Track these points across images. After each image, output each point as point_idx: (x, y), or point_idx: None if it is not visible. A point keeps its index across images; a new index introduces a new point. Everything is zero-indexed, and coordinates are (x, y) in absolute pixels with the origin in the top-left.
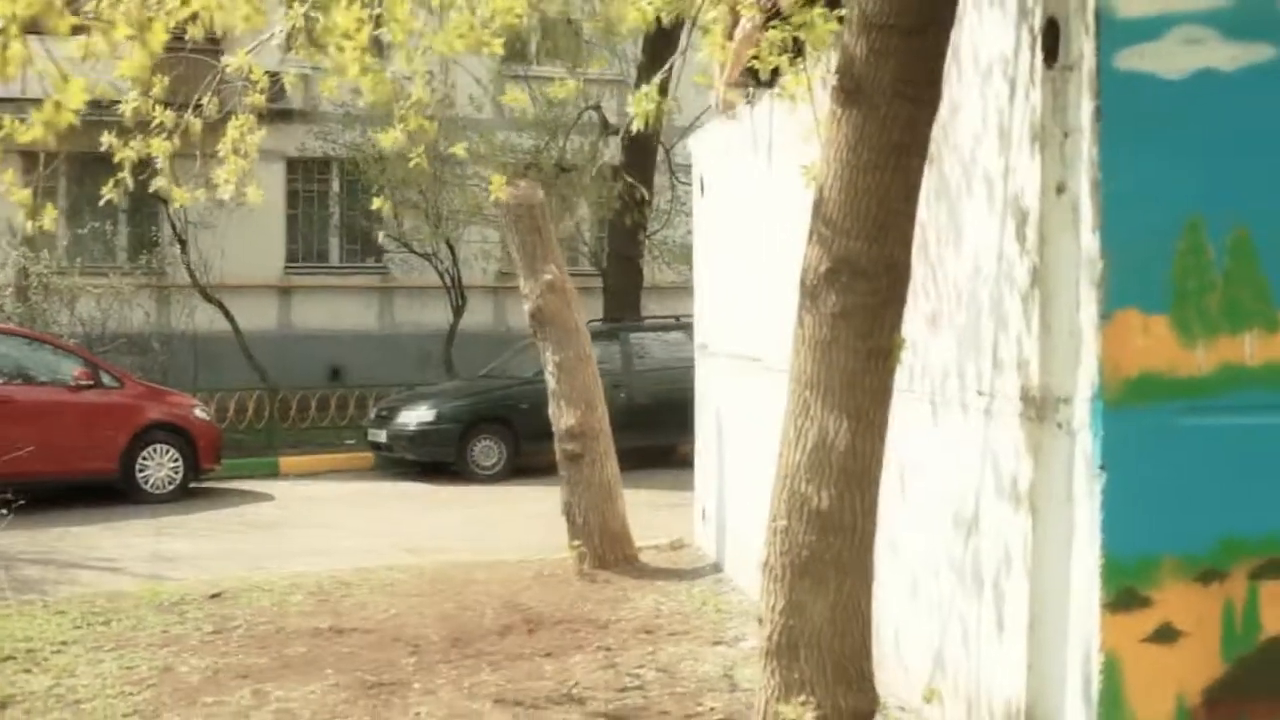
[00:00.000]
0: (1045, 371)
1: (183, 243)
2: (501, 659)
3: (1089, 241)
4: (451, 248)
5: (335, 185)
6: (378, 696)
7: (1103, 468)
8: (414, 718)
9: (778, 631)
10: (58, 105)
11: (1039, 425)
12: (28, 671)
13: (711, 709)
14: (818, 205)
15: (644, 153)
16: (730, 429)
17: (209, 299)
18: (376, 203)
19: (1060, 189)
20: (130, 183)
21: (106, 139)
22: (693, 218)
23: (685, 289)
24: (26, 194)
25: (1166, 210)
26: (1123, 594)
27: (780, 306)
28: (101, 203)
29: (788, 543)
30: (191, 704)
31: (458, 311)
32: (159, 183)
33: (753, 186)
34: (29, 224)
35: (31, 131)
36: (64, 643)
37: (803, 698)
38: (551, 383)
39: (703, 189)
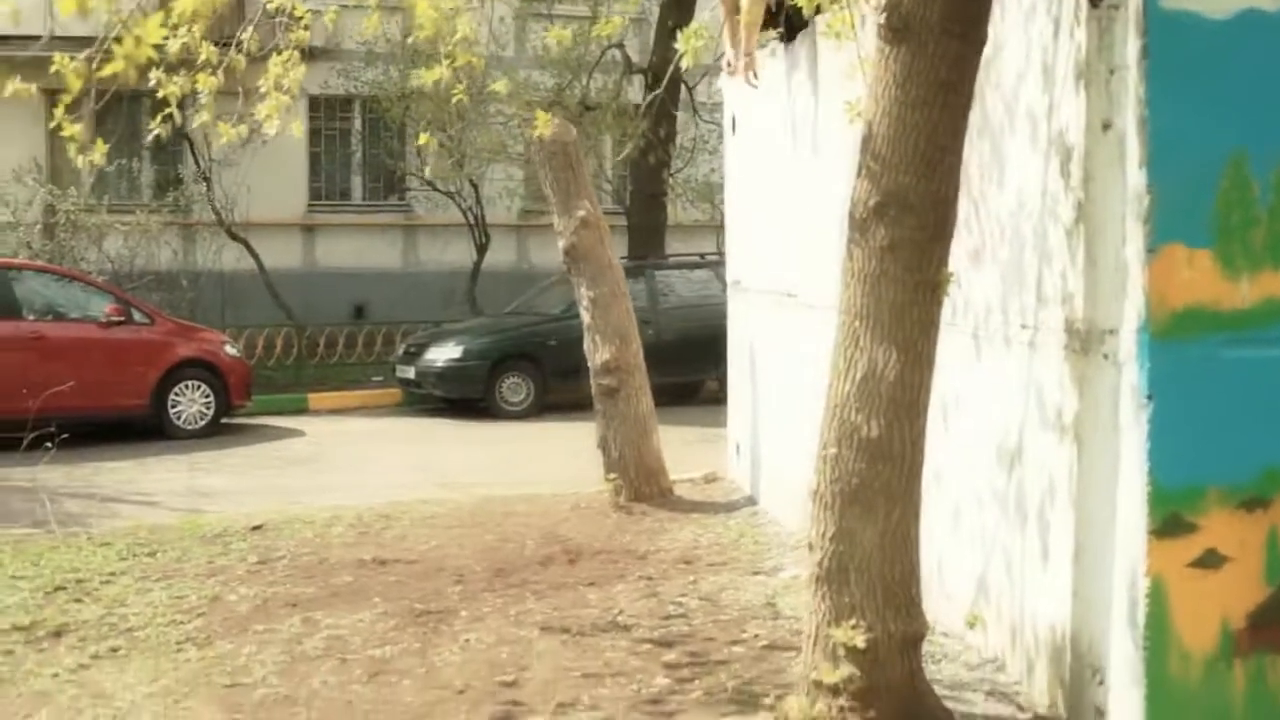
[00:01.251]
0: (1090, 305)
1: (207, 180)
2: (545, 588)
3: (1135, 177)
4: (475, 186)
5: (358, 123)
6: (426, 624)
7: (1149, 398)
8: (463, 644)
9: (828, 557)
10: (138, 40)
11: (1084, 357)
12: (79, 601)
13: (756, 635)
14: (866, 141)
15: (667, 90)
16: (764, 364)
17: (234, 237)
18: (422, 138)
19: (1106, 126)
20: (179, 118)
21: (155, 75)
22: (716, 156)
23: (709, 227)
24: (79, 129)
25: (1211, 147)
26: (1168, 521)
27: (815, 242)
28: (149, 139)
29: (838, 471)
30: (243, 631)
31: (481, 249)
32: (201, 118)
33: (788, 124)
34: (79, 159)
35: (112, 66)
36: (112, 574)
37: (853, 622)
38: (586, 318)
39: (734, 127)
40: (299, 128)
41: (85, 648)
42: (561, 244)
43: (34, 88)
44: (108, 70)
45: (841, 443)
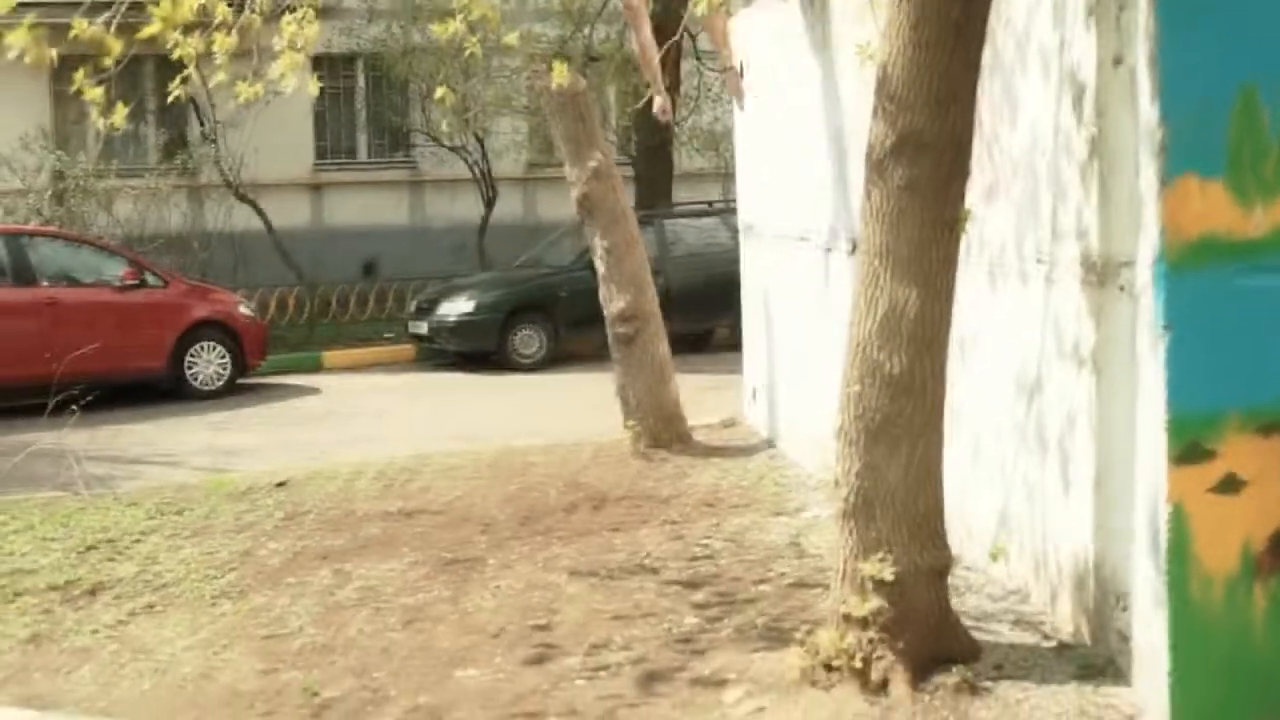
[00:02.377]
0: (1105, 238)
1: (213, 142)
2: (571, 535)
3: (1148, 111)
4: (480, 140)
5: (361, 81)
6: (456, 572)
7: (1167, 327)
8: (494, 590)
9: (854, 493)
10: (175, 1)
11: (1100, 290)
12: (112, 560)
13: (782, 574)
14: (881, 82)
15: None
16: (778, 308)
17: (242, 198)
18: (439, 91)
19: (1117, 61)
20: (198, 78)
21: (171, 36)
22: (720, 104)
23: (715, 175)
24: (99, 92)
25: (1222, 79)
26: (1188, 448)
27: (827, 186)
28: (158, 101)
29: (861, 407)
30: (276, 584)
31: (489, 204)
32: (218, 78)
33: (798, 68)
34: (99, 122)
35: (150, 28)
36: (142, 532)
37: (880, 555)
38: (600, 267)
39: (743, 72)
40: (315, 85)
41: (122, 604)
42: (574, 194)
43: (54, 53)
44: (146, 33)
45: (864, 380)
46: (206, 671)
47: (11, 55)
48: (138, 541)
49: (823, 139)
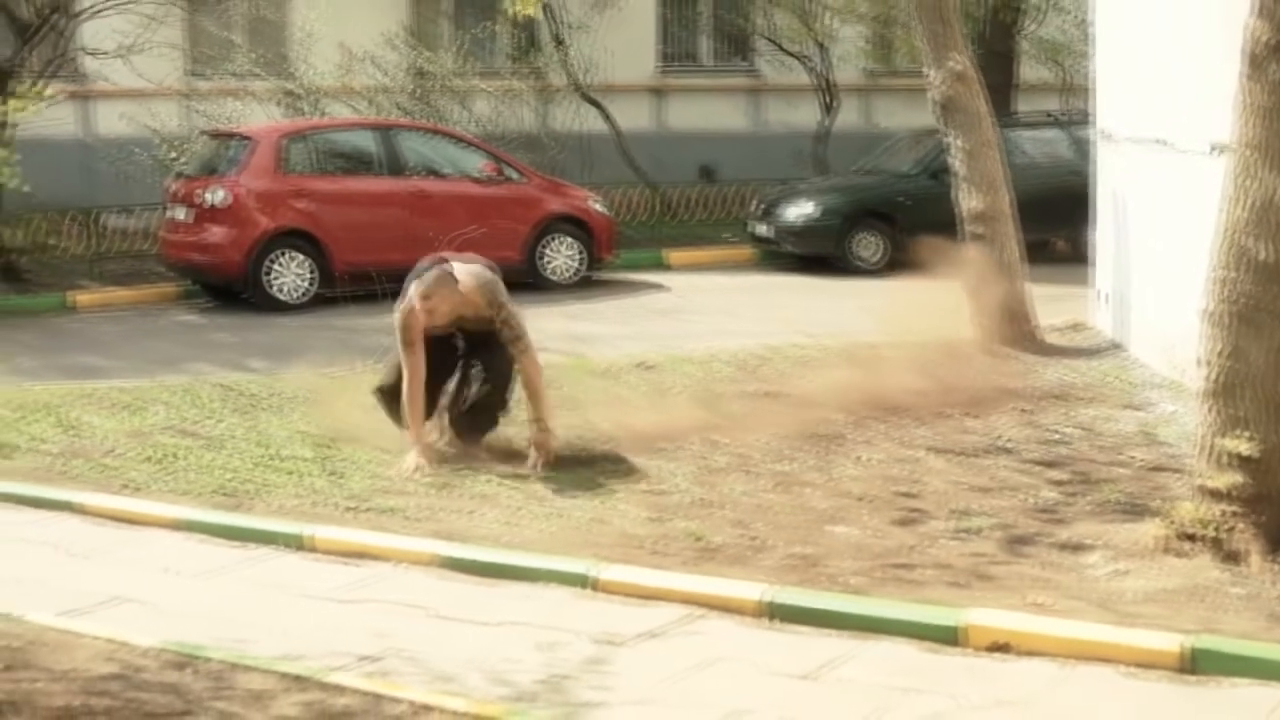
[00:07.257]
0: None
1: (561, 44)
2: (927, 417)
3: None
4: (822, 47)
5: None
6: (819, 444)
7: None
8: (857, 461)
9: (1219, 373)
10: None
11: None
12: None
13: (1136, 459)
14: None
15: None
16: (1132, 213)
17: (588, 100)
18: None
19: None
20: None
21: None
22: (1065, 15)
23: (1055, 88)
24: None
25: None
26: None
27: (1190, 88)
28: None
29: (1229, 291)
30: (651, 450)
31: (828, 111)
32: None
33: None
34: (511, 9)
35: None
36: (518, 400)
37: (1241, 433)
38: (958, 168)
39: None
40: None
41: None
42: (933, 96)
43: None
44: None
45: (1233, 265)
46: (600, 518)
47: None
48: (517, 404)
49: (1185, 43)
